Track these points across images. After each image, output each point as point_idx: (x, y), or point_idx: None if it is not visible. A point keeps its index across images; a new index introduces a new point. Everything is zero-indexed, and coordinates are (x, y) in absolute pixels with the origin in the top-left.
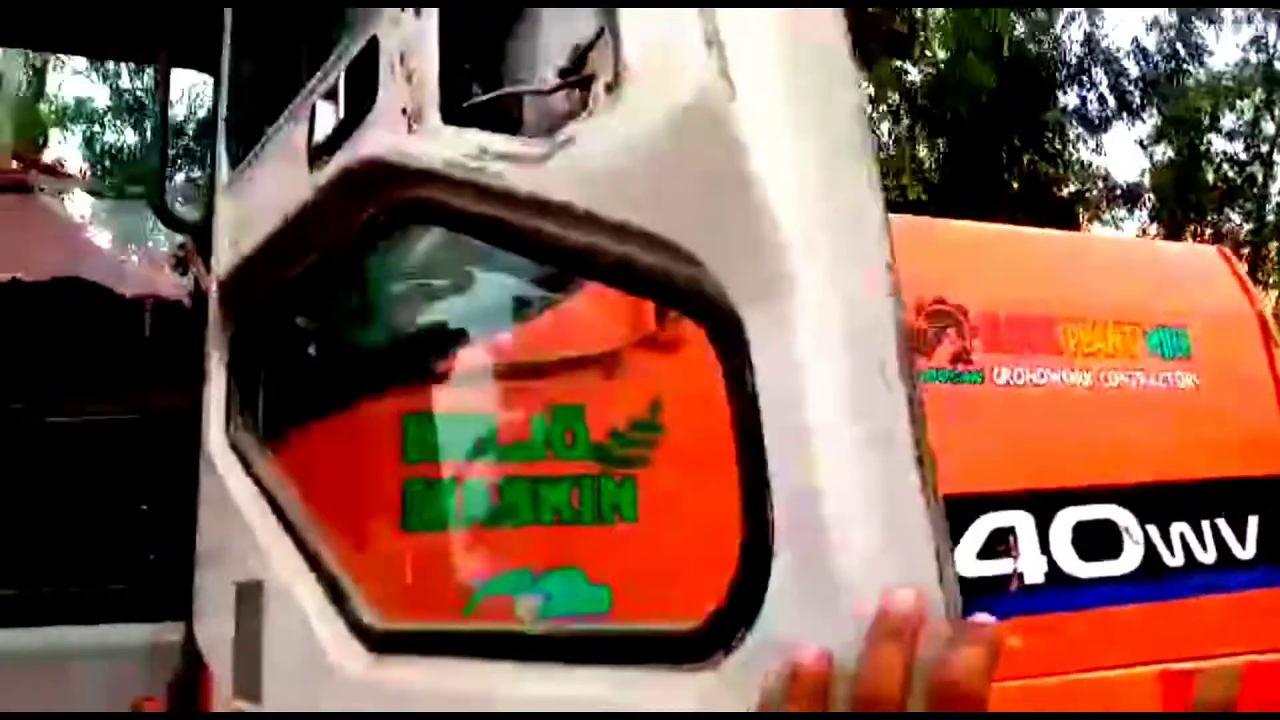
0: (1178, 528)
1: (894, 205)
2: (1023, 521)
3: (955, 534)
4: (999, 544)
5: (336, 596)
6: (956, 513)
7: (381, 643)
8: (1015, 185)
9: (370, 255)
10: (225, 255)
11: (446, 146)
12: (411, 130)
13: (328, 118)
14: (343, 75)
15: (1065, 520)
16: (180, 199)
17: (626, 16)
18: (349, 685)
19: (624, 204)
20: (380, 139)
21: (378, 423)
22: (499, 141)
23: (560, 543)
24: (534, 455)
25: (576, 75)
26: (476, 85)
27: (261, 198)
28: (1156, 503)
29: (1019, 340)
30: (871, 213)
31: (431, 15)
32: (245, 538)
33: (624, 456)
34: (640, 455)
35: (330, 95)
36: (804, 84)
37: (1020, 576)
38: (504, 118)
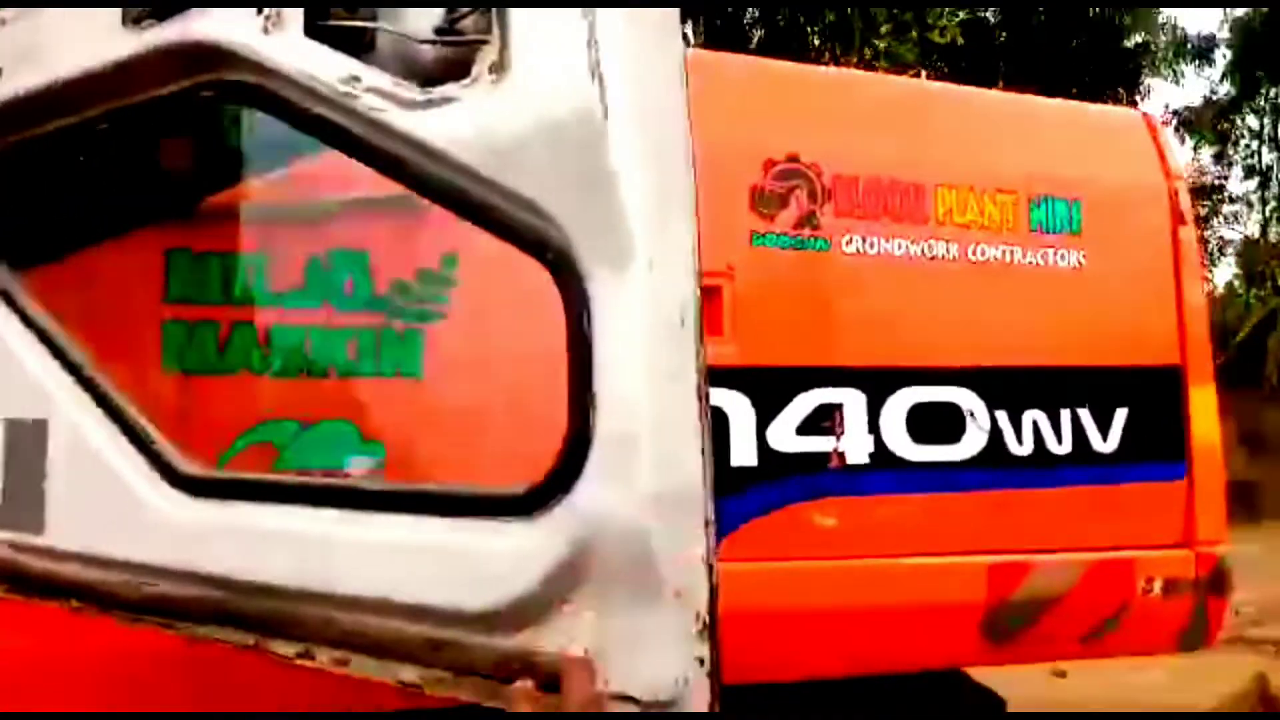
0: (1031, 416)
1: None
2: (852, 399)
3: (776, 407)
4: (823, 420)
5: (137, 439)
6: (779, 385)
7: (196, 486)
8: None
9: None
10: None
11: (311, 62)
12: (268, 32)
13: None
14: None
15: (901, 400)
16: None
17: (517, 10)
18: (162, 524)
19: (502, 168)
20: (227, 29)
21: (139, 257)
22: (373, 76)
23: (332, 395)
24: (309, 303)
25: (455, 37)
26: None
27: (50, 39)
28: (1011, 388)
29: (878, 206)
30: (683, 208)
31: None
32: (14, 375)
33: (410, 310)
34: (428, 310)
35: None
36: (652, 101)
37: (842, 455)
38: (354, 41)
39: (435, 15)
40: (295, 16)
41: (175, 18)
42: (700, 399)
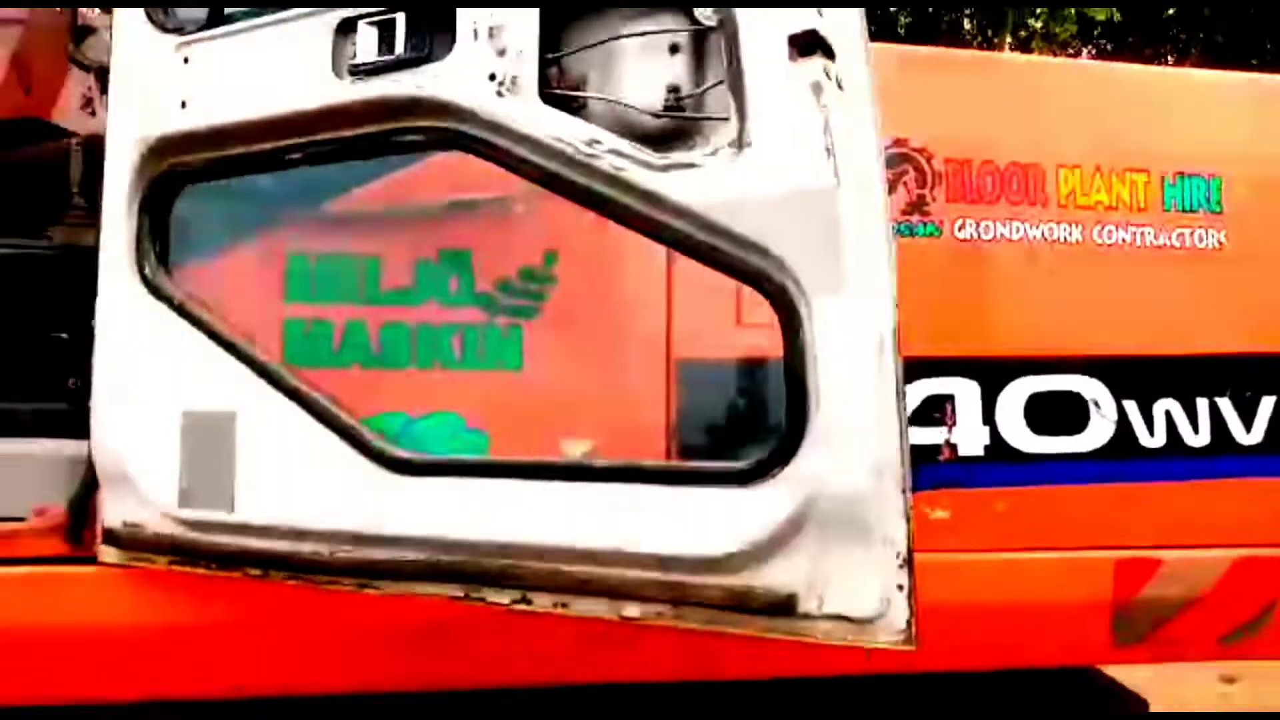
0: (1164, 405)
1: None
2: (965, 389)
3: None
4: (934, 411)
5: (335, 425)
6: None
7: (405, 466)
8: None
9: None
10: (168, 113)
11: (552, 124)
12: (502, 95)
13: (371, 44)
14: (402, 19)
15: (1018, 390)
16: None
17: (753, 92)
18: (370, 497)
19: (735, 219)
20: (457, 89)
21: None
22: (611, 139)
23: (439, 388)
24: (417, 301)
25: (681, 112)
26: (559, 72)
27: (241, 75)
28: (1141, 377)
29: (993, 189)
30: (886, 243)
31: (531, 12)
32: (198, 372)
33: (511, 306)
34: (528, 305)
35: (382, 27)
36: (865, 163)
37: (954, 447)
38: (568, 106)
39: (653, 88)
40: (529, 84)
41: (401, 73)
42: (898, 394)
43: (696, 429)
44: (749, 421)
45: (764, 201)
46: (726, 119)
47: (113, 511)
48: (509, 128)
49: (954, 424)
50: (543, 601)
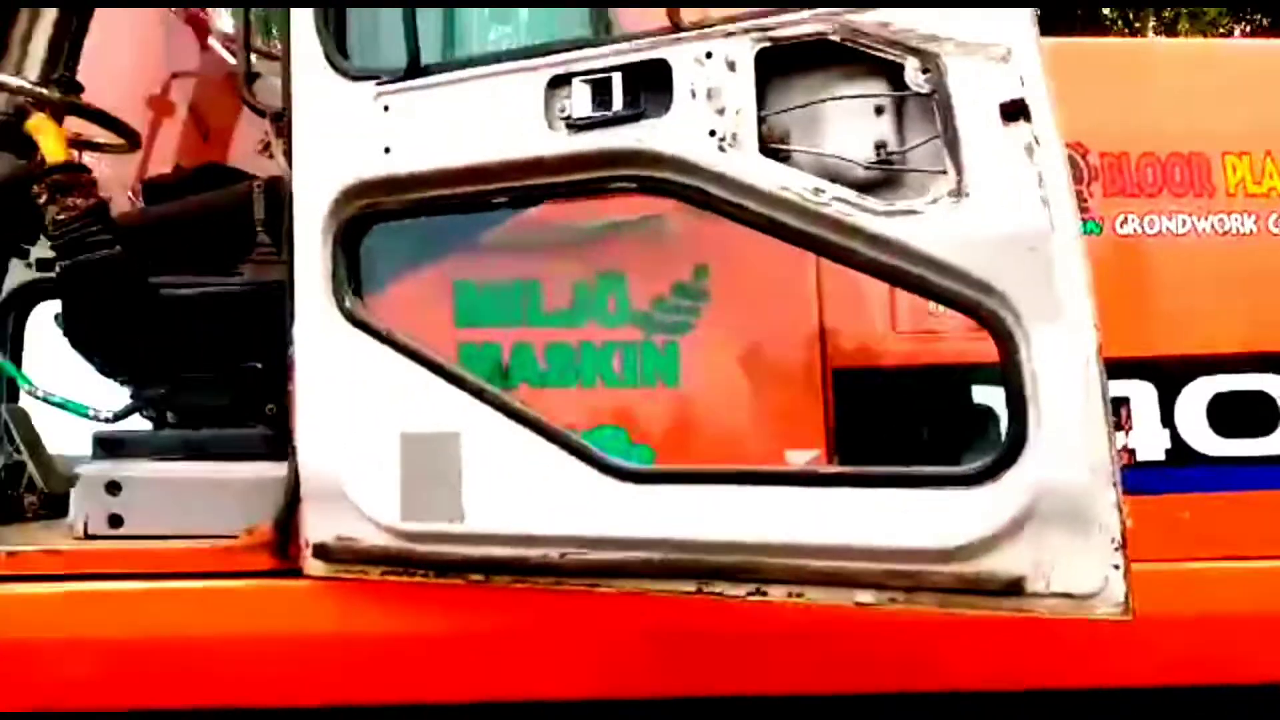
0: None
1: None
2: (1140, 391)
3: None
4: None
5: (562, 442)
6: None
7: (638, 476)
8: None
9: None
10: (368, 157)
11: (776, 175)
12: (723, 150)
13: (586, 100)
14: (618, 78)
15: (1199, 391)
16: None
17: (967, 150)
18: (603, 505)
19: (957, 258)
20: (678, 143)
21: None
22: (833, 188)
23: (602, 404)
24: (577, 322)
25: (891, 165)
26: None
27: (447, 123)
28: None
29: (1154, 182)
30: (1087, 275)
31: (748, 75)
32: (404, 393)
33: (667, 323)
34: (684, 322)
35: (596, 85)
36: (1068, 207)
37: (1133, 452)
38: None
39: (860, 143)
40: (750, 140)
41: (619, 127)
42: (1105, 403)
43: (857, 436)
44: (913, 427)
45: (985, 244)
46: (944, 172)
47: (322, 527)
48: (733, 179)
49: (1131, 428)
50: (777, 593)
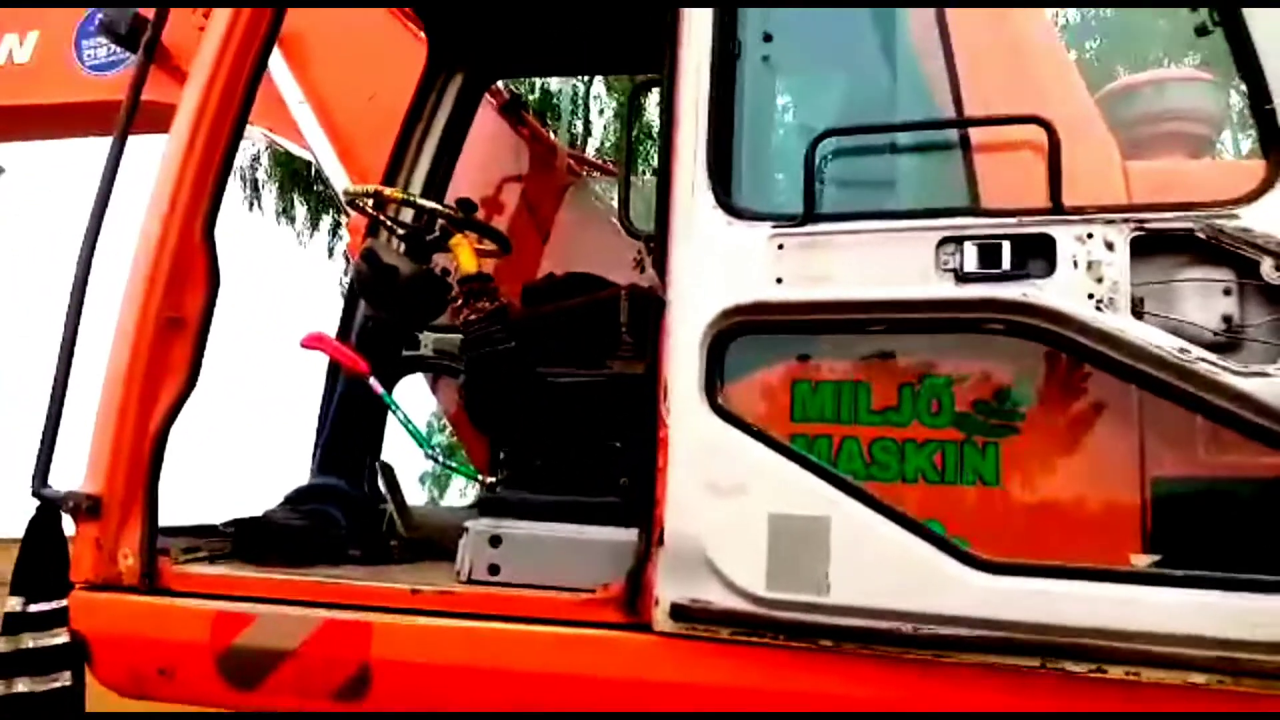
0: None
1: None
2: None
3: None
4: None
5: (923, 533)
6: None
7: (994, 567)
8: None
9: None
10: (759, 284)
11: (1149, 335)
12: (1100, 310)
13: (974, 257)
14: (1007, 245)
15: None
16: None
17: None
18: (963, 588)
19: None
20: (1062, 301)
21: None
22: (1198, 350)
23: (924, 499)
24: (902, 420)
25: (1240, 336)
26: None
27: (846, 268)
28: None
29: None
30: None
31: (1124, 253)
32: (769, 477)
33: (988, 425)
34: (1004, 425)
35: (983, 247)
36: None
37: None
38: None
39: (1208, 315)
40: (1125, 304)
41: (1006, 283)
42: None
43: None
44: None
45: None
46: None
47: (678, 589)
48: (1108, 334)
49: None
50: (1116, 672)
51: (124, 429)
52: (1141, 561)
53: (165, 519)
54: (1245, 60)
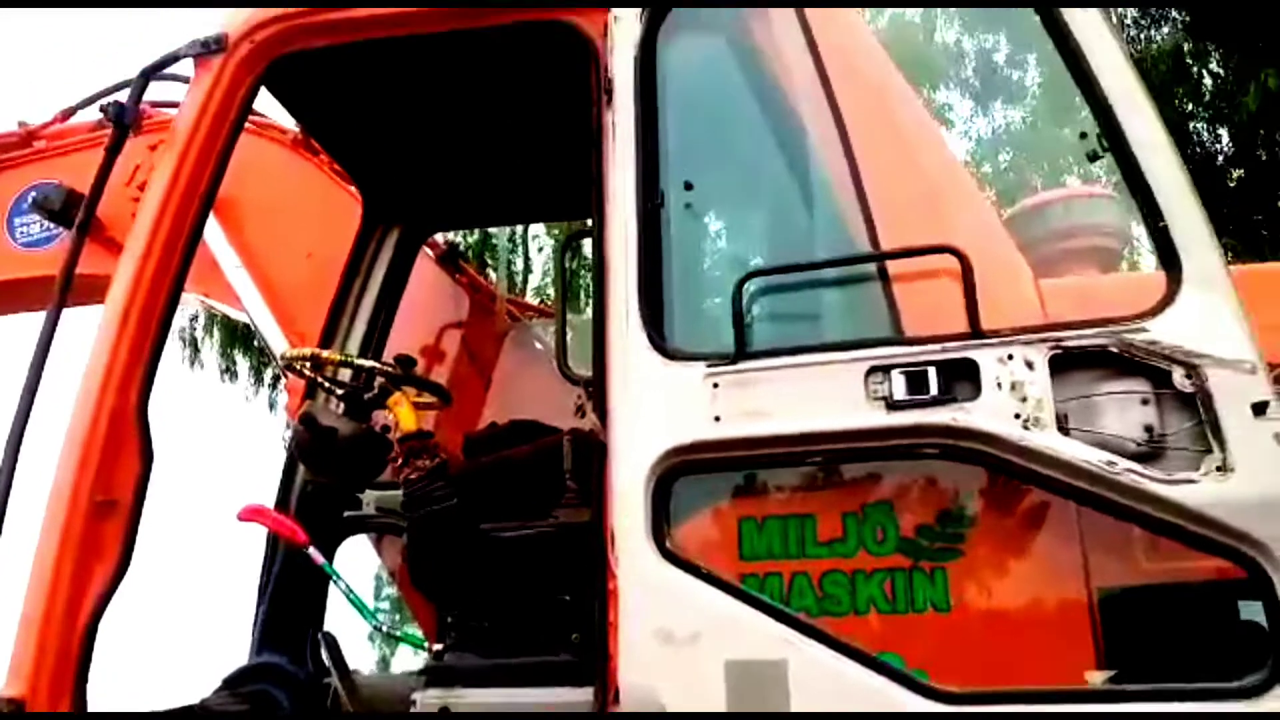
0: None
1: None
2: None
3: None
4: None
5: (880, 668)
6: None
7: (955, 698)
8: None
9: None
10: (697, 424)
11: (1076, 450)
12: (1028, 429)
13: (903, 385)
14: (933, 370)
15: None
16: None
17: (1229, 435)
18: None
19: (1223, 514)
20: (990, 422)
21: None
22: (1124, 461)
23: (878, 630)
24: (849, 551)
25: (1161, 445)
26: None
27: (780, 402)
28: None
29: None
30: None
31: (1044, 372)
32: (722, 622)
33: (933, 550)
34: (949, 549)
35: (911, 375)
36: None
37: None
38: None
39: (1129, 425)
40: (1050, 421)
41: (935, 408)
42: None
43: (1123, 653)
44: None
45: (1249, 506)
46: (1210, 450)
47: None
48: (1037, 451)
49: None
50: None
51: (50, 623)
52: (1097, 679)
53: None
54: (1135, 181)
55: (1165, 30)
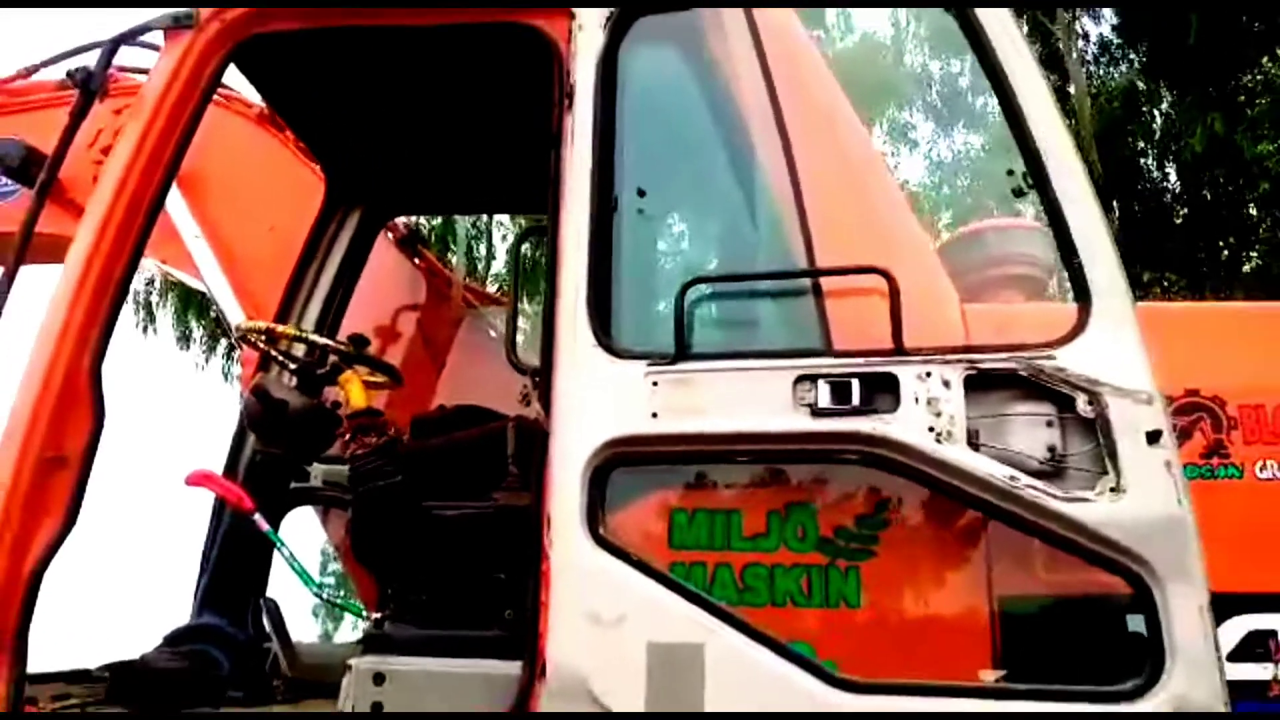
0: None
1: None
2: None
3: None
4: (1256, 647)
5: (789, 655)
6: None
7: (856, 687)
8: None
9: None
10: (635, 419)
11: (982, 464)
12: (940, 442)
13: (828, 394)
14: (856, 383)
15: None
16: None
17: (1123, 458)
18: (831, 708)
19: (1113, 532)
20: (906, 434)
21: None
22: (1026, 478)
23: (793, 621)
24: (771, 546)
25: (1061, 464)
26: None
27: (714, 402)
28: None
29: None
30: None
31: (959, 390)
32: (646, 607)
33: (849, 549)
34: (863, 549)
35: (836, 385)
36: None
37: None
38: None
39: (1034, 445)
40: (961, 436)
41: (856, 417)
42: (1216, 642)
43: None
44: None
45: (1139, 524)
46: (1105, 472)
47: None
48: (947, 463)
49: None
50: None
51: None
52: (989, 677)
53: (37, 664)
54: (1054, 217)
55: (1122, 69)
